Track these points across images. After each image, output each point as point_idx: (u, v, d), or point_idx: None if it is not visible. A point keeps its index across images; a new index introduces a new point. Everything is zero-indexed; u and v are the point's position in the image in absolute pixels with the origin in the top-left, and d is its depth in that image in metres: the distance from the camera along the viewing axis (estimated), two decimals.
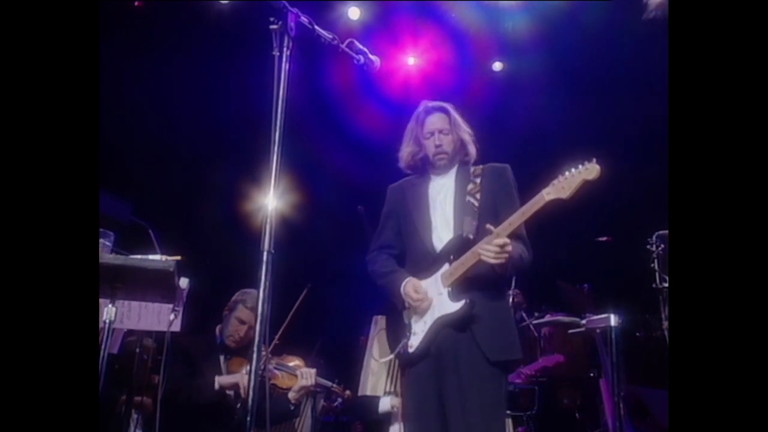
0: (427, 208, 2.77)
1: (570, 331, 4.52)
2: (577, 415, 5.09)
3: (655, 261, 4.06)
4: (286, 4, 2.13)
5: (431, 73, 6.85)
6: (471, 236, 2.60)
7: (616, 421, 3.74)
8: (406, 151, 2.89)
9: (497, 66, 7.00)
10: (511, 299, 6.20)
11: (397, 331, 2.68)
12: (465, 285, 2.57)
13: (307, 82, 6.04)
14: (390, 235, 2.88)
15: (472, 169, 2.81)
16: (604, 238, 5.16)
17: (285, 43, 2.12)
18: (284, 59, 2.11)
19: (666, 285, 3.98)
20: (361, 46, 2.48)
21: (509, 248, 2.45)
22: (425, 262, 2.68)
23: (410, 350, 2.59)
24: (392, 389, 3.56)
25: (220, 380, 3.51)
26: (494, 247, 2.43)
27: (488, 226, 2.48)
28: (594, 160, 2.45)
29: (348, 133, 6.52)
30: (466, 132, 2.85)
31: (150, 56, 5.74)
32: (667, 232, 4.01)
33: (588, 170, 2.44)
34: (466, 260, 2.54)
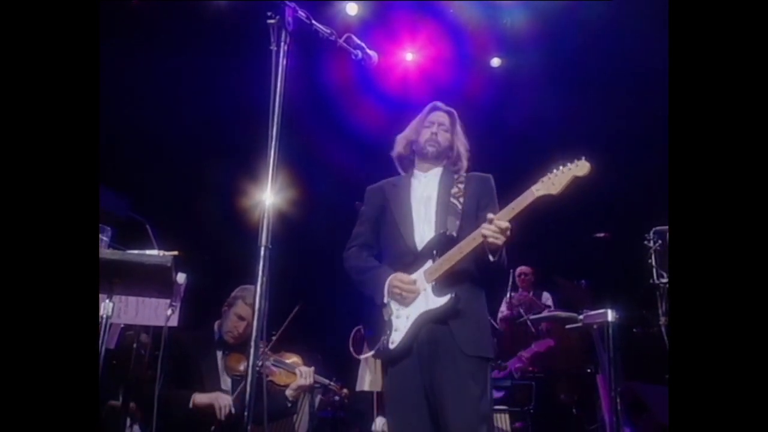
0: (409, 207, 2.78)
1: (567, 326, 4.52)
2: (574, 410, 5.10)
3: (653, 257, 4.07)
4: None
5: (429, 69, 6.85)
6: (454, 234, 2.61)
7: (613, 416, 3.75)
8: (402, 135, 2.96)
9: (495, 62, 7.01)
10: (518, 279, 6.17)
11: (376, 328, 2.65)
12: (449, 280, 2.58)
13: (305, 77, 6.04)
14: (370, 235, 2.88)
15: (456, 175, 2.85)
16: (602, 234, 5.17)
17: (282, 38, 2.10)
18: (281, 54, 2.09)
19: (663, 281, 3.99)
20: (358, 41, 2.46)
21: (508, 233, 2.48)
22: (406, 260, 2.67)
23: (391, 346, 2.56)
24: None
25: (195, 398, 3.41)
26: (496, 228, 2.45)
27: (489, 214, 2.49)
28: (583, 157, 2.49)
29: (346, 129, 6.52)
30: (463, 143, 2.91)
31: (147, 52, 5.73)
32: (664, 228, 4.02)
33: (579, 167, 2.48)
34: (452, 256, 2.55)
